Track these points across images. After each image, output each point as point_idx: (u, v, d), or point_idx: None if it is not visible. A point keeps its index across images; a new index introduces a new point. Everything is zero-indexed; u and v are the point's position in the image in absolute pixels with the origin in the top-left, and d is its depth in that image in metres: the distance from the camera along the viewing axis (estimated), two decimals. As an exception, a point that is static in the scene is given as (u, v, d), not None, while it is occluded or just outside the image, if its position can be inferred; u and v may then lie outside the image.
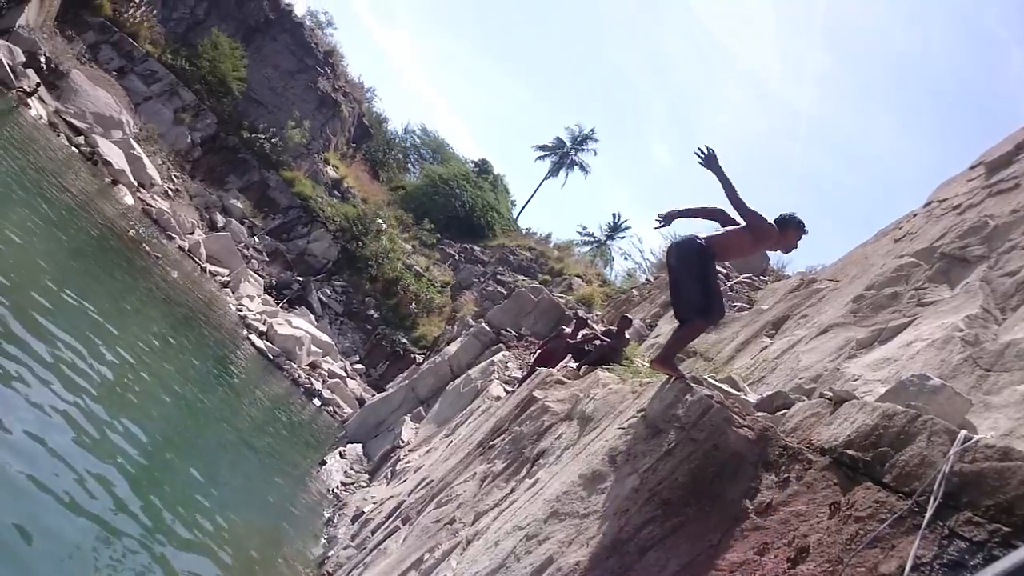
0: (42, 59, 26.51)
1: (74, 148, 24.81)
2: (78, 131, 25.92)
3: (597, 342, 9.38)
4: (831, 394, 3.48)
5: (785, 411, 3.82)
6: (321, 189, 38.03)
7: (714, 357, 9.40)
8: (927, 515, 2.36)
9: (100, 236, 17.84)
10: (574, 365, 9.04)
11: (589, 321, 12.52)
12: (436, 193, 43.55)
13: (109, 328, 11.63)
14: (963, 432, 2.57)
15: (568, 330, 11.30)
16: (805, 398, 4.41)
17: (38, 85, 25.00)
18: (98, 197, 21.99)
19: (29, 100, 23.86)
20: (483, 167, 49.25)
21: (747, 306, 11.52)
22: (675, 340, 4.66)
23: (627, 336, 9.36)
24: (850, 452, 2.88)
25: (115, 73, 31.02)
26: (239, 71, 35.50)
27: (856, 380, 5.68)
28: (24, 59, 25.10)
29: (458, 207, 43.23)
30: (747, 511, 3.06)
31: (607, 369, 7.27)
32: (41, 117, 24.12)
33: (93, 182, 23.34)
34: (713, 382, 4.76)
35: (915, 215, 8.77)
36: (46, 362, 8.23)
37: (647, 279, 19.65)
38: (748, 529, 2.99)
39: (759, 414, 3.74)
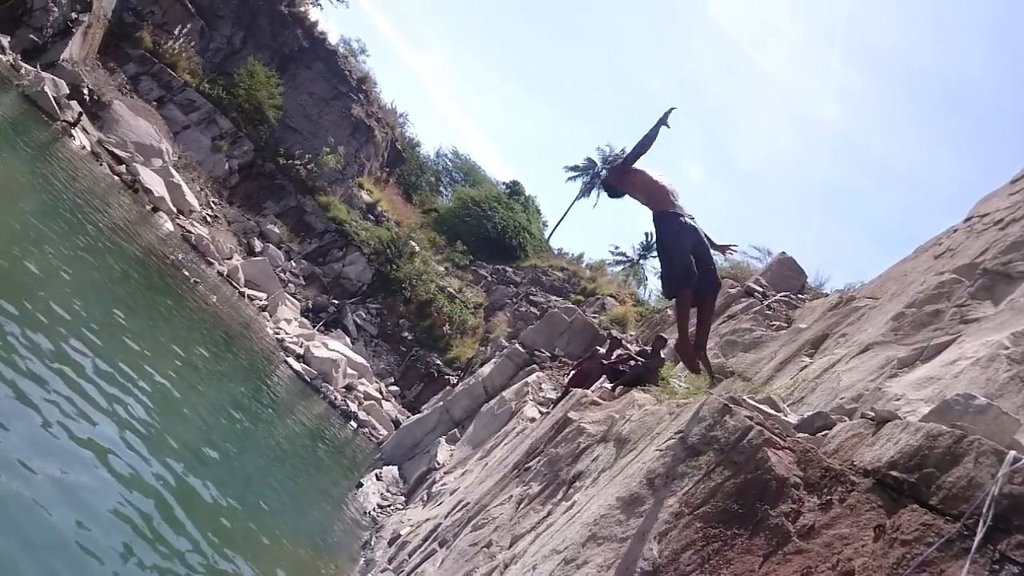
0: (85, 91, 27.43)
1: (116, 176, 25.53)
2: (120, 160, 26.69)
3: (632, 362, 9.34)
4: (873, 414, 3.43)
5: (826, 432, 3.77)
6: (356, 213, 38.56)
7: (752, 377, 9.28)
8: (976, 538, 2.31)
9: (142, 262, 18.29)
10: (609, 386, 9.00)
11: (623, 341, 12.46)
12: (468, 215, 43.84)
13: (150, 351, 11.90)
14: (1012, 453, 2.51)
15: (602, 351, 11.26)
16: (847, 418, 4.35)
17: (80, 115, 25.83)
18: (139, 224, 22.58)
19: (73, 131, 24.65)
20: (514, 189, 49.49)
21: (785, 325, 11.37)
22: (675, 320, 4.94)
23: (662, 356, 9.30)
24: (894, 473, 2.83)
25: (155, 103, 31.95)
26: (275, 99, 36.30)
27: (898, 400, 5.57)
28: (68, 91, 25.99)
29: (490, 229, 43.44)
30: (790, 534, 3.02)
31: (643, 390, 7.23)
32: (84, 147, 24.89)
33: (134, 209, 23.98)
34: (752, 403, 4.71)
35: (955, 231, 8.61)
36: (90, 383, 8.44)
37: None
38: (791, 552, 2.94)
39: (800, 435, 3.70)
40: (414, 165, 49.82)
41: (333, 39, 42.10)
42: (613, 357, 10.26)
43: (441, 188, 53.89)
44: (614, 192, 5.39)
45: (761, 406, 4.86)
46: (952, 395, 3.54)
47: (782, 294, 13.29)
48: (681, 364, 10.83)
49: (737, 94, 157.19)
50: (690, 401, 5.05)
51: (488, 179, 54.18)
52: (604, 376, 9.86)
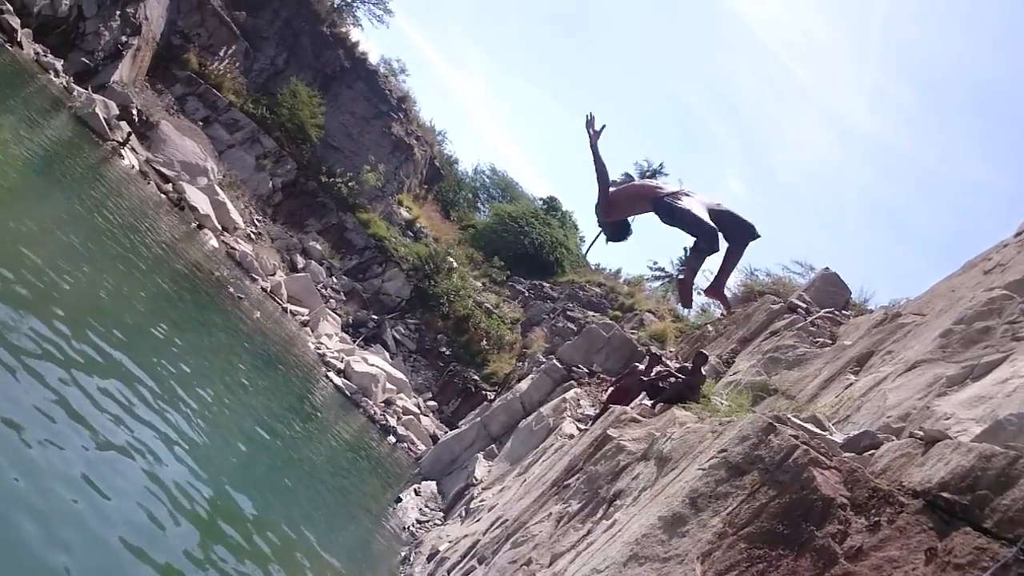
0: (134, 111, 28.33)
1: (163, 195, 26.25)
2: (166, 179, 27.44)
3: (672, 379, 9.26)
4: (922, 434, 3.36)
5: (873, 451, 3.71)
6: (395, 230, 39.01)
7: (796, 395, 9.13)
8: (1034, 564, 2.26)
9: (188, 278, 18.74)
10: (649, 403, 8.93)
11: (663, 358, 12.37)
12: (505, 231, 44.01)
13: (195, 366, 12.16)
14: (1070, 476, 2.45)
15: (641, 367, 11.18)
16: (894, 438, 4.27)
17: (129, 135, 26.66)
18: (185, 241, 23.16)
19: (122, 150, 25.43)
20: (551, 204, 49.58)
21: (829, 342, 11.18)
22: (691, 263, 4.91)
23: (703, 373, 9.20)
24: (945, 495, 2.78)
25: (201, 123, 32.84)
26: (317, 118, 37.02)
27: (948, 419, 5.44)
28: (118, 112, 26.86)
29: (527, 244, 43.54)
30: (837, 556, 2.97)
31: (683, 407, 7.17)
32: (133, 166, 25.65)
33: (180, 227, 24.61)
34: (797, 421, 4.65)
35: (1005, 245, 8.40)
36: (137, 398, 8.67)
37: (722, 314, 19.25)
38: (838, 575, 2.90)
39: (846, 455, 3.64)
40: (452, 182, 50.27)
41: (374, 59, 42.90)
42: (653, 374, 10.18)
43: (479, 204, 54.24)
44: (621, 232, 5.30)
45: (806, 424, 4.80)
46: (1005, 415, 3.46)
47: (826, 310, 13.07)
48: (722, 381, 10.72)
49: (777, 107, 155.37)
50: (733, 419, 5.00)
51: (525, 195, 54.38)
52: (643, 393, 9.78)
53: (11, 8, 24.14)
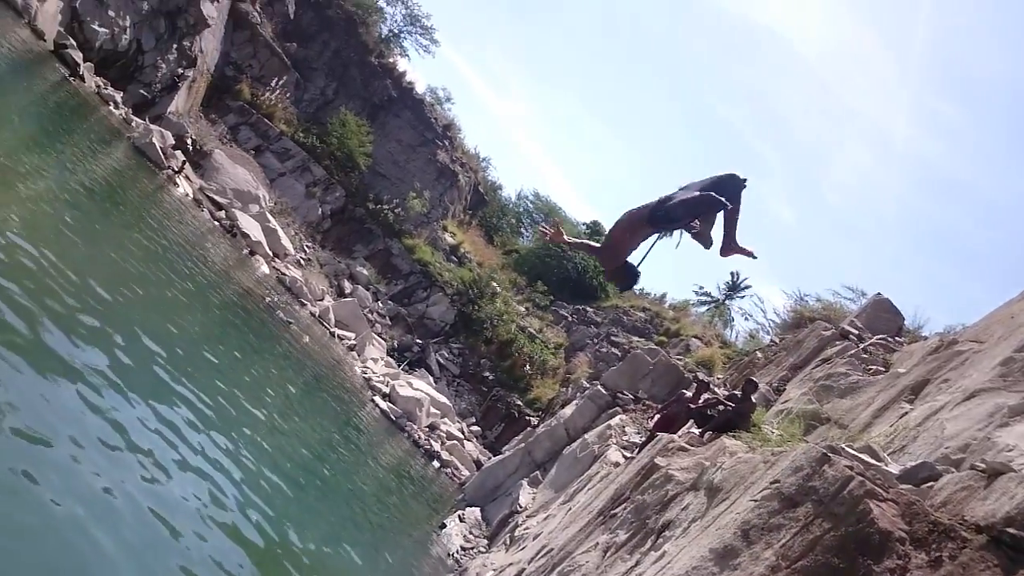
0: (189, 141, 29.31)
1: (216, 222, 27.01)
2: (219, 206, 28.25)
3: (721, 407, 9.12)
4: (984, 466, 3.28)
5: (932, 484, 3.61)
6: (440, 255, 39.44)
7: (849, 424, 8.91)
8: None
9: (239, 304, 19.19)
10: (697, 431, 8.82)
11: (711, 385, 12.20)
12: (549, 256, 44.10)
13: (248, 390, 12.42)
14: None
15: (689, 394, 11.05)
16: (953, 470, 4.16)
17: (184, 164, 27.56)
18: (237, 267, 23.75)
19: (177, 178, 26.30)
20: (595, 229, 49.54)
21: (882, 369, 10.90)
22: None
23: (753, 401, 9.05)
24: (1012, 531, 2.70)
25: (253, 152, 33.83)
26: (365, 147, 37.82)
27: (1010, 451, 5.25)
28: (173, 141, 27.82)
29: (570, 269, 43.54)
30: (896, 593, 2.90)
31: (733, 436, 7.06)
32: (187, 194, 26.48)
33: (233, 253, 25.25)
34: (851, 452, 4.55)
35: (1070, 271, 8.12)
36: (188, 420, 8.88)
37: (772, 340, 18.88)
38: (899, 612, 2.83)
39: (903, 487, 3.56)
40: (496, 207, 50.71)
41: (420, 88, 43.79)
42: (701, 401, 10.05)
43: (522, 229, 54.54)
44: (629, 278, 5.06)
45: (860, 455, 4.69)
46: (1073, 449, 3.35)
47: (878, 337, 12.76)
48: (773, 409, 10.52)
49: (823, 128, 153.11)
50: (785, 449, 4.92)
51: (568, 219, 54.49)
52: (691, 421, 9.65)
53: (74, 43, 25.30)
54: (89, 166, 17.37)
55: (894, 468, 4.58)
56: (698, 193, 4.50)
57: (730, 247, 4.48)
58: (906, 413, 8.06)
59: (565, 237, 5.28)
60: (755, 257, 4.57)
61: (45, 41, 24.27)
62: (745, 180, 4.55)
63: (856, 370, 11.15)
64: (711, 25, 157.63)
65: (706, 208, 4.46)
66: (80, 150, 17.99)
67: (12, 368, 6.37)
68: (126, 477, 6.48)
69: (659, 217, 4.62)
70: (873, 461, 4.56)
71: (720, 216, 4.64)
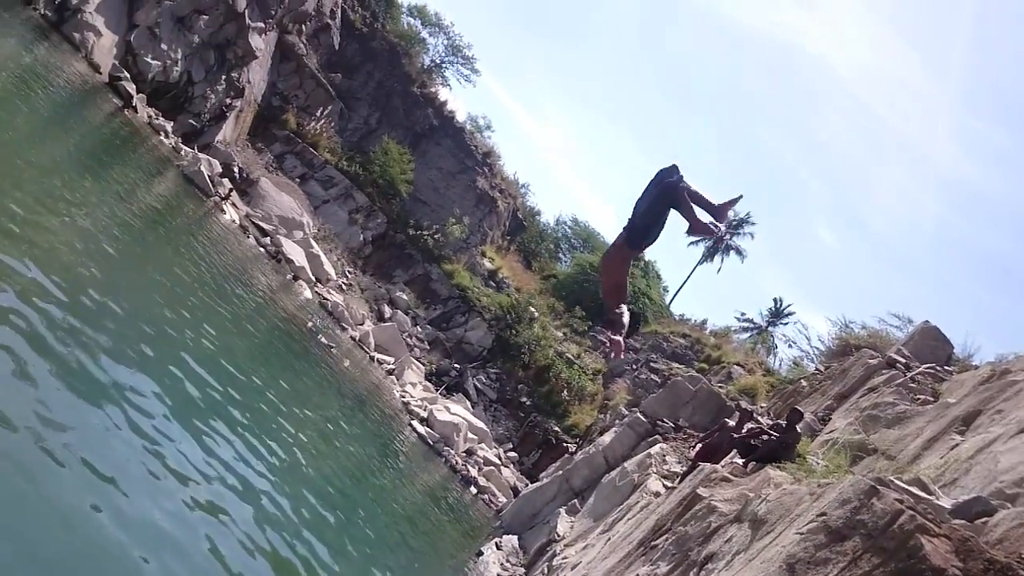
0: (236, 169, 30.12)
1: (261, 248, 27.61)
2: (265, 232, 28.88)
3: (765, 437, 8.96)
4: (1043, 504, 3.18)
5: (987, 519, 3.51)
6: (478, 280, 39.66)
7: (897, 456, 8.68)
8: None
9: (283, 328, 19.52)
10: (740, 461, 8.67)
11: (754, 414, 12.00)
12: (587, 281, 43.99)
13: (290, 413, 12.59)
14: None
15: (732, 423, 10.88)
16: (1009, 505, 4.03)
17: (231, 192, 28.28)
18: (281, 291, 24.20)
19: (224, 206, 26.99)
20: (634, 255, 49.38)
21: (931, 399, 10.61)
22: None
23: (798, 431, 8.88)
24: (1072, 572, 2.61)
25: (298, 179, 34.62)
26: (407, 174, 38.46)
27: (1071, 487, 5.08)
28: (221, 170, 28.62)
29: (609, 294, 43.34)
30: (951, 632, 2.82)
31: (778, 467, 6.93)
32: (234, 220, 27.14)
33: (277, 278, 25.75)
34: (901, 484, 4.44)
35: None
36: (230, 443, 9.04)
37: (816, 368, 18.50)
38: (953, 653, 2.74)
39: (956, 522, 3.47)
40: (534, 233, 50.90)
41: (461, 117, 44.50)
42: (744, 430, 9.88)
43: (560, 255, 54.60)
44: (632, 322, 5.03)
45: (910, 488, 4.58)
46: None
47: (926, 366, 12.43)
48: (818, 440, 10.30)
49: (868, 155, 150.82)
50: (831, 480, 4.83)
51: (607, 245, 54.30)
52: (734, 451, 9.49)
53: (128, 75, 26.30)
54: (140, 194, 17.95)
55: (946, 502, 4.46)
56: (657, 184, 4.57)
57: (694, 227, 4.56)
58: (957, 445, 7.83)
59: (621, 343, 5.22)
60: (719, 230, 4.59)
61: (100, 74, 25.28)
62: (672, 164, 4.58)
63: (904, 400, 10.87)
64: (751, 50, 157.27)
65: (663, 205, 4.52)
66: (132, 178, 18.61)
67: (64, 393, 6.57)
68: (170, 500, 6.60)
69: (635, 234, 4.68)
70: (924, 494, 4.45)
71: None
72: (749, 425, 10.14)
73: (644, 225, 4.64)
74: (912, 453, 8.46)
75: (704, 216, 4.55)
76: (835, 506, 3.99)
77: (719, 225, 4.63)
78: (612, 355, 4.89)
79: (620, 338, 4.83)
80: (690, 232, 4.67)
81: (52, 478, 5.33)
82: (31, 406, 5.78)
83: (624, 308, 4.94)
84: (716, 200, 4.59)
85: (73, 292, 8.38)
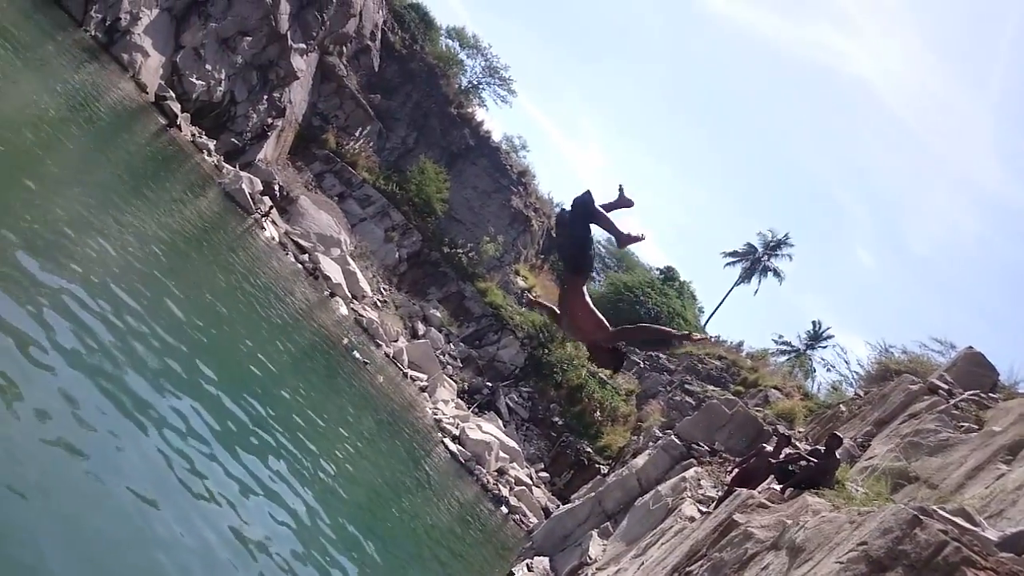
0: (276, 187, 30.70)
1: (299, 264, 28.03)
2: (303, 249, 29.33)
3: (803, 462, 8.80)
4: (1095, 539, 3.08)
5: (1036, 555, 3.41)
6: (511, 298, 39.72)
7: (939, 484, 8.46)
8: None
9: (319, 344, 19.75)
10: (778, 487, 8.52)
11: (792, 439, 11.79)
12: (620, 300, 43.78)
13: (325, 428, 12.71)
14: None
15: (769, 448, 10.71)
16: (1060, 540, 3.91)
17: (271, 209, 28.81)
18: (318, 307, 24.51)
19: (264, 223, 27.49)
20: (669, 274, 49.03)
21: (975, 427, 10.33)
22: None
23: (837, 457, 8.70)
24: None
25: (336, 198, 35.17)
26: (442, 193, 38.86)
27: (1125, 522, 4.91)
28: (261, 188, 29.19)
29: (643, 314, 43.00)
30: (999, 669, 2.74)
31: (816, 493, 6.81)
32: (273, 237, 27.63)
33: (314, 294, 26.10)
34: (944, 515, 4.34)
35: None
36: (265, 459, 9.15)
37: (856, 393, 18.14)
38: None
39: (1003, 555, 3.38)
40: (568, 252, 50.89)
41: (496, 137, 44.92)
42: (782, 456, 9.72)
43: (593, 274, 54.47)
44: (616, 360, 4.91)
45: (955, 518, 4.47)
46: None
47: (970, 392, 12.10)
48: (857, 466, 10.08)
49: (908, 175, 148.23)
50: (872, 509, 4.74)
51: (641, 265, 54.18)
52: (771, 476, 9.33)
53: (173, 95, 27.07)
54: (183, 210, 18.39)
55: (992, 534, 4.35)
56: (570, 225, 4.74)
57: (620, 240, 4.65)
58: (1003, 475, 7.62)
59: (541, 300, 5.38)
60: (643, 238, 4.64)
61: (147, 93, 26.06)
62: (587, 191, 4.77)
63: (946, 427, 10.61)
64: (788, 72, 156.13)
65: (583, 223, 4.66)
66: (176, 195, 19.09)
67: (106, 410, 6.73)
68: (210, 520, 6.67)
69: (571, 263, 4.78)
70: (969, 525, 4.34)
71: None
72: (787, 450, 9.96)
73: (573, 250, 4.76)
74: (955, 482, 8.24)
75: (625, 226, 4.67)
76: (876, 535, 3.91)
77: (642, 235, 4.70)
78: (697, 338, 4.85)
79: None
80: (619, 245, 4.81)
81: (96, 498, 5.41)
82: (73, 425, 5.87)
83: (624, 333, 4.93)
84: (624, 229, 4.68)
85: (117, 308, 8.60)
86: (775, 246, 52.38)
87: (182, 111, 27.30)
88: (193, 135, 28.00)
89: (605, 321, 4.76)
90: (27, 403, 5.62)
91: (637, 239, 4.72)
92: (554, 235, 4.53)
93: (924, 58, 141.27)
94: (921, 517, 3.76)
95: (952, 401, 11.78)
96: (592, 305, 4.78)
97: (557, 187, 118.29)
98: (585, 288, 4.83)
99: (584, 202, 4.64)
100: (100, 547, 5.17)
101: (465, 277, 38.38)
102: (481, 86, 45.72)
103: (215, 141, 29.37)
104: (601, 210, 4.62)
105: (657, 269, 51.06)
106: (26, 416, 5.54)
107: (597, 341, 4.72)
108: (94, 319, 7.71)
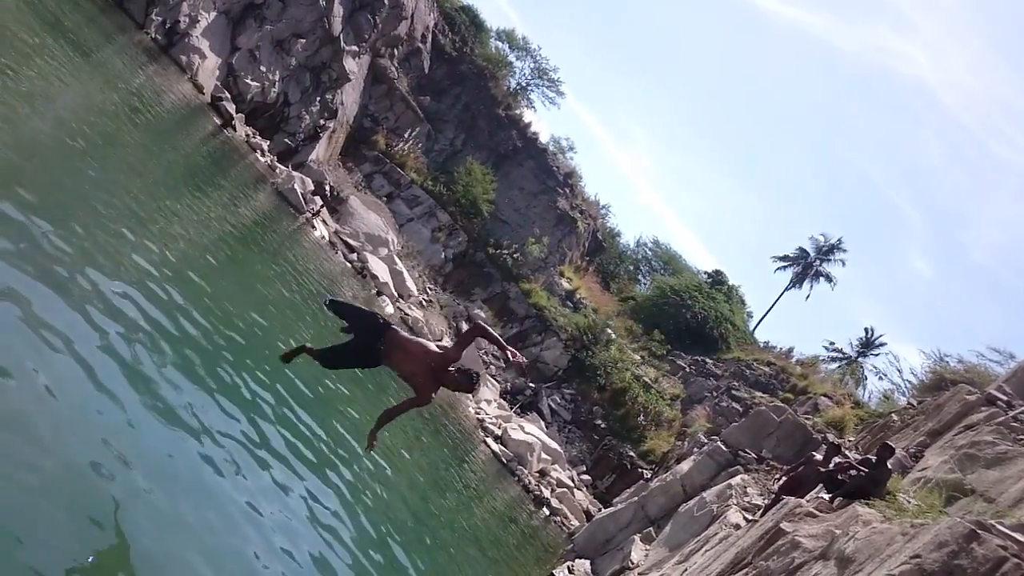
0: (327, 187, 31.23)
1: (348, 263, 28.47)
2: (352, 248, 29.78)
3: (853, 472, 8.61)
4: None
5: (1101, 574, 3.29)
6: (555, 300, 39.68)
7: (997, 498, 8.19)
8: None
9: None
10: (827, 497, 8.36)
11: (843, 448, 11.55)
12: (667, 304, 43.30)
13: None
14: None
15: (819, 457, 10.51)
16: None
17: (321, 208, 29.32)
18: (365, 306, 24.81)
19: (315, 222, 28.00)
20: (717, 278, 48.32)
21: (1036, 441, 9.97)
22: None
23: (889, 467, 8.50)
24: None
25: (385, 198, 35.66)
26: (489, 194, 39.05)
27: None
28: (313, 188, 29.73)
29: (689, 318, 42.49)
30: None
31: (866, 504, 6.66)
32: (324, 236, 28.11)
33: (362, 293, 26.46)
34: (1003, 529, 4.21)
35: None
36: (314, 450, 9.32)
37: (908, 402, 17.67)
38: None
39: (1066, 575, 3.26)
40: (614, 254, 50.59)
41: (544, 138, 44.89)
42: (831, 464, 9.53)
43: (640, 276, 54.02)
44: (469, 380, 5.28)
45: (1014, 534, 4.33)
46: None
47: (1030, 404, 11.68)
48: (909, 477, 9.82)
49: (968, 181, 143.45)
50: (925, 521, 4.62)
51: (689, 268, 53.50)
52: (820, 485, 9.16)
53: (229, 96, 27.75)
54: (238, 209, 18.85)
55: (1054, 552, 4.19)
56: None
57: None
58: (1066, 492, 7.35)
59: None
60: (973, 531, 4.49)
61: (204, 94, 26.78)
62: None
63: (1005, 440, 10.25)
64: (843, 74, 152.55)
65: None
66: (230, 194, 19.57)
67: (152, 413, 6.94)
68: (246, 523, 6.74)
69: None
70: (1029, 543, 4.20)
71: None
72: (837, 459, 9.76)
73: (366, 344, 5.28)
74: (1014, 496, 7.97)
75: None
76: (931, 549, 3.82)
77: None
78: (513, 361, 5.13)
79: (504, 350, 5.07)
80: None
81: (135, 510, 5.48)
82: (121, 432, 5.94)
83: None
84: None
85: (170, 306, 8.85)
86: (828, 251, 51.25)
87: (237, 112, 27.97)
88: (247, 135, 28.67)
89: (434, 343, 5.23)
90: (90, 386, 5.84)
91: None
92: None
93: (986, 59, 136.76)
94: (979, 531, 3.66)
95: (1011, 413, 11.38)
96: (411, 336, 5.32)
97: (604, 189, 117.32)
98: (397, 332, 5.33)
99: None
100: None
101: (510, 278, 38.50)
102: (530, 87, 45.80)
103: (269, 142, 30.03)
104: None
105: (705, 272, 50.39)
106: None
107: (439, 363, 5.07)
108: (144, 314, 7.93)
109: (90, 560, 4.56)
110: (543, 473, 27.54)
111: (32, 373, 5.36)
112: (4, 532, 4.14)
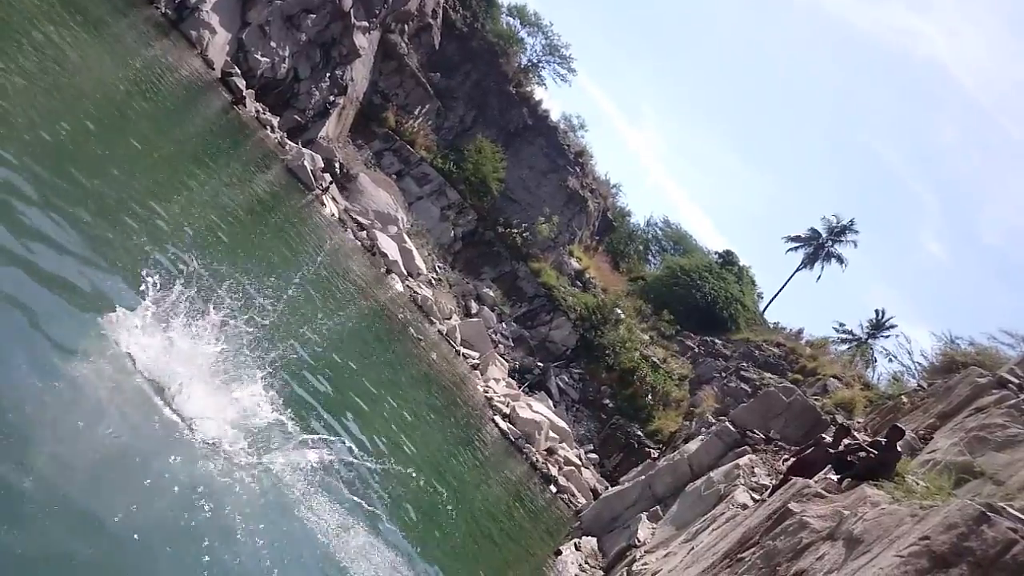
0: (337, 165, 31.16)
1: (358, 241, 28.47)
2: (361, 226, 29.78)
3: (863, 454, 8.60)
4: None
5: (1113, 558, 3.27)
6: (564, 279, 39.61)
7: (1006, 481, 8.17)
8: None
9: (375, 320, 20.09)
10: (835, 478, 8.36)
11: (852, 429, 11.53)
12: (676, 284, 43.16)
13: (383, 402, 12.97)
14: None
15: (828, 438, 10.50)
16: None
17: (331, 185, 29.27)
18: (374, 284, 24.90)
19: (324, 199, 27.96)
20: (727, 258, 48.09)
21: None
22: None
23: (899, 449, 8.48)
24: None
25: (394, 176, 35.53)
26: (498, 172, 38.88)
27: None
28: (322, 165, 29.64)
29: (699, 298, 42.37)
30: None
31: (875, 485, 6.65)
32: (333, 214, 28.10)
33: (371, 271, 26.51)
34: (1014, 512, 4.19)
35: None
36: (326, 427, 9.38)
37: (918, 384, 17.61)
38: None
39: (1077, 558, 3.25)
40: (624, 234, 50.39)
41: (555, 116, 44.56)
42: (841, 446, 9.52)
43: (649, 256, 53.84)
44: None
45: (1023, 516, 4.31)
46: None
47: (1044, 388, 11.60)
48: (918, 459, 9.80)
49: (983, 163, 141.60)
50: (934, 503, 4.62)
51: (699, 248, 53.27)
52: (829, 466, 9.15)
53: (239, 72, 27.62)
54: (248, 185, 18.84)
55: (1064, 536, 4.18)
56: None
57: None
58: (1077, 475, 7.32)
59: None
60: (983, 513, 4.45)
61: (214, 70, 26.65)
62: None
63: (1016, 423, 10.21)
64: (859, 54, 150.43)
65: None
66: (240, 170, 19.56)
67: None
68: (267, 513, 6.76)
69: None
70: (1039, 526, 4.18)
71: None
72: (846, 441, 9.75)
73: None
74: (1023, 479, 7.94)
75: None
76: (940, 531, 3.81)
77: None
78: None
79: None
80: None
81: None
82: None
83: None
84: None
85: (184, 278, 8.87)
86: (840, 232, 50.85)
87: (247, 88, 27.85)
88: (257, 112, 28.56)
89: None
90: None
91: None
92: None
93: (1002, 38, 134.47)
94: (988, 514, 3.65)
95: (1022, 396, 11.33)
96: None
97: (615, 168, 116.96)
98: None
99: None
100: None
101: (519, 257, 38.44)
102: (541, 64, 45.42)
103: (278, 118, 29.91)
104: None
105: (716, 253, 50.16)
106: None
107: None
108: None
109: None
110: (551, 451, 27.68)
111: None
112: None
